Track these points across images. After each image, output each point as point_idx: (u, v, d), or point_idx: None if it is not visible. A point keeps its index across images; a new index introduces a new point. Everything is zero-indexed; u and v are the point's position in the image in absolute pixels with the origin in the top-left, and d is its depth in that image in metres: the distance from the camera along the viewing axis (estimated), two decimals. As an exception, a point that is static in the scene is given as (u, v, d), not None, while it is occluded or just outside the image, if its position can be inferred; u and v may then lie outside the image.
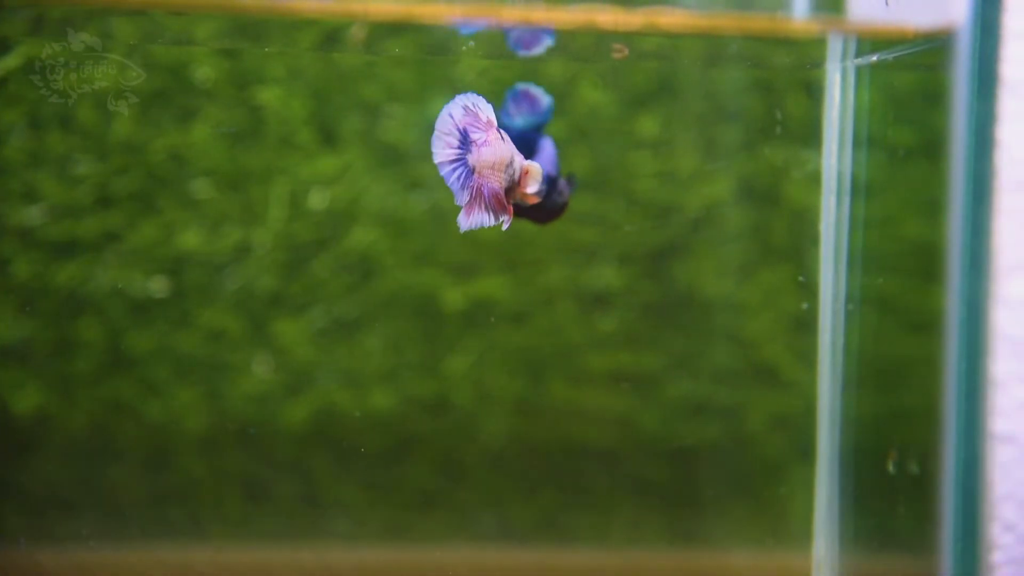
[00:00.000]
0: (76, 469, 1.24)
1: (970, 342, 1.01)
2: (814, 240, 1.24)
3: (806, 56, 1.22)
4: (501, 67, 1.26)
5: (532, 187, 0.91)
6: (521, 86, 1.11)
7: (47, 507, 1.23)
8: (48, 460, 1.24)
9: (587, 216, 1.29)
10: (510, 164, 0.90)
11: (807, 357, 1.27)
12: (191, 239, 1.24)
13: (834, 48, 1.18)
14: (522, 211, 0.98)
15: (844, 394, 1.23)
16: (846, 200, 1.22)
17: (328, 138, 1.25)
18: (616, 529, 1.31)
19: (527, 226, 1.27)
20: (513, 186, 0.91)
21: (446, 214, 1.27)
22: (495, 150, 0.89)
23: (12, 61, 1.18)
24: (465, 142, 0.89)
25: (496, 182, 0.89)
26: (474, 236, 1.27)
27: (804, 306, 1.28)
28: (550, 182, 1.02)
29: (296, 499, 1.27)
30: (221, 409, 1.26)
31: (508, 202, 0.91)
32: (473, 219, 0.89)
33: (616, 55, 1.22)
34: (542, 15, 1.10)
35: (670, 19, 1.14)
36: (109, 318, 1.24)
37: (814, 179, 1.24)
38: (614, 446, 1.31)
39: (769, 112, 1.26)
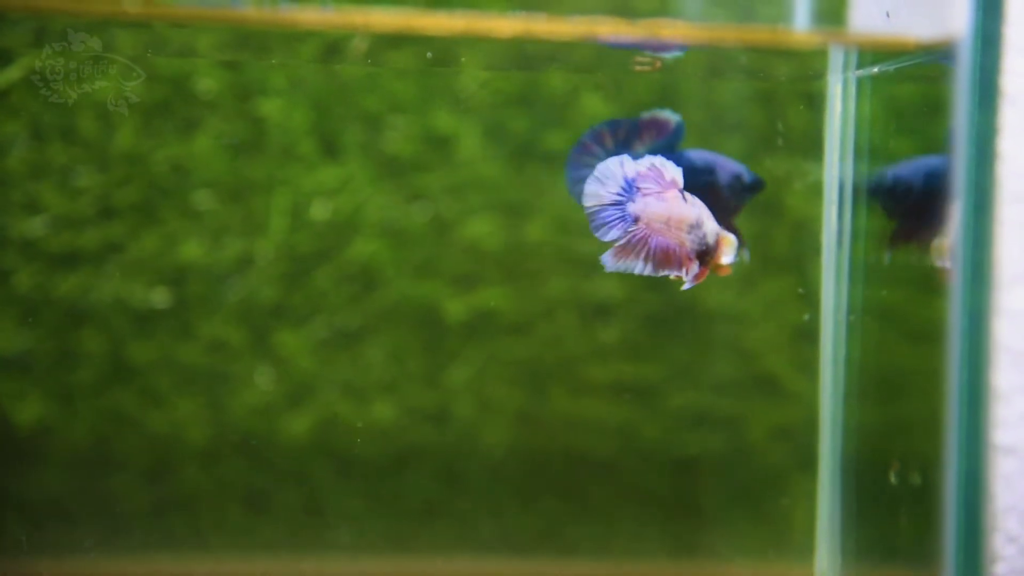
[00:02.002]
0: (77, 480, 1.24)
1: (972, 353, 1.01)
2: (816, 251, 1.24)
3: (807, 67, 1.22)
4: (502, 79, 1.26)
5: (727, 257, 0.93)
6: (647, 114, 1.10)
7: (48, 518, 1.23)
8: (49, 471, 1.24)
9: (588, 227, 1.28)
10: (697, 226, 0.91)
11: (809, 368, 1.27)
12: (193, 250, 1.24)
13: (835, 59, 1.18)
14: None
15: (846, 405, 1.23)
16: (848, 211, 1.22)
17: (329, 149, 1.26)
18: (617, 540, 1.31)
19: (528, 236, 1.28)
20: (708, 252, 0.92)
21: (447, 225, 1.27)
22: (670, 207, 0.90)
23: (14, 73, 1.19)
24: (629, 189, 0.90)
25: (672, 238, 0.91)
26: (475, 247, 1.28)
27: (805, 317, 1.28)
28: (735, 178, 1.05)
29: (297, 510, 1.27)
30: (222, 420, 1.26)
31: (703, 267, 0.92)
32: (623, 263, 0.91)
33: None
34: (543, 27, 1.10)
35: (671, 30, 1.14)
36: (111, 329, 1.24)
37: (815, 190, 1.24)
38: (615, 457, 1.31)
39: (770, 123, 1.26)
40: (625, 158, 0.92)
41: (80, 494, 1.24)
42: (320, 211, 1.26)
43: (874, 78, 1.17)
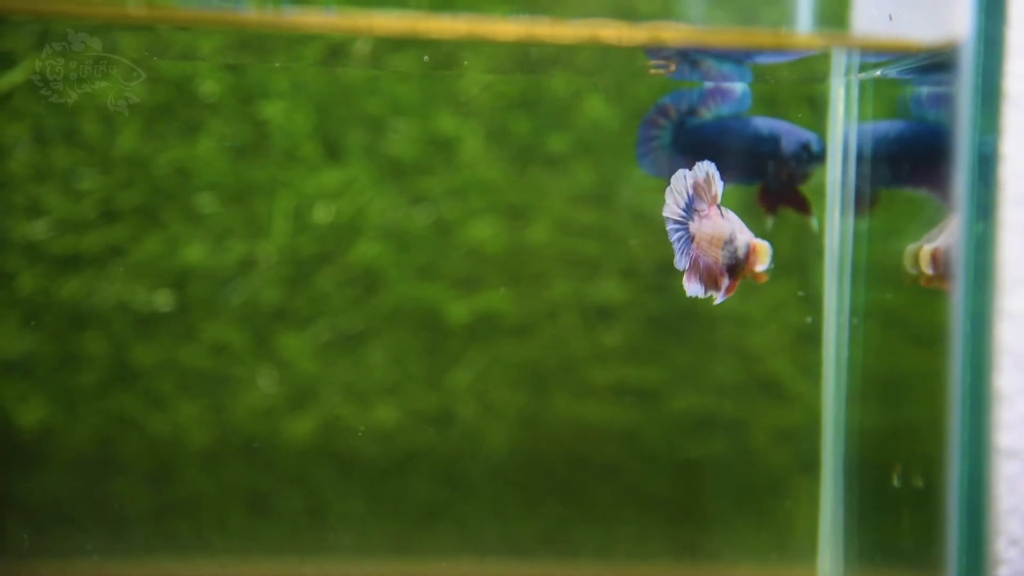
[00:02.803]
0: (80, 482, 1.24)
1: (975, 356, 1.01)
2: (818, 253, 1.24)
3: (810, 70, 1.22)
4: (505, 82, 1.26)
5: (762, 265, 0.93)
6: (711, 83, 1.12)
7: (51, 520, 1.23)
8: (52, 473, 1.24)
9: (591, 229, 1.29)
10: (730, 241, 0.92)
11: (811, 370, 1.27)
12: (195, 253, 1.24)
13: (838, 62, 1.18)
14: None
15: (848, 407, 1.23)
16: (850, 213, 1.22)
17: (332, 152, 1.26)
18: (620, 543, 1.31)
19: (531, 239, 1.28)
20: (738, 264, 0.93)
21: (450, 228, 1.27)
22: (714, 224, 0.91)
23: (17, 75, 1.19)
24: (689, 209, 0.92)
25: (712, 257, 0.92)
26: (478, 250, 1.28)
27: (808, 320, 1.28)
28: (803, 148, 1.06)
29: (300, 513, 1.27)
30: (225, 423, 1.26)
31: (733, 279, 0.93)
32: (691, 287, 0.93)
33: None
34: (546, 30, 1.10)
35: (674, 33, 1.14)
36: (113, 332, 1.24)
37: (818, 192, 1.24)
38: (618, 459, 1.31)
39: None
40: (686, 172, 0.93)
41: (83, 497, 1.24)
42: (322, 214, 1.26)
43: (877, 81, 1.17)
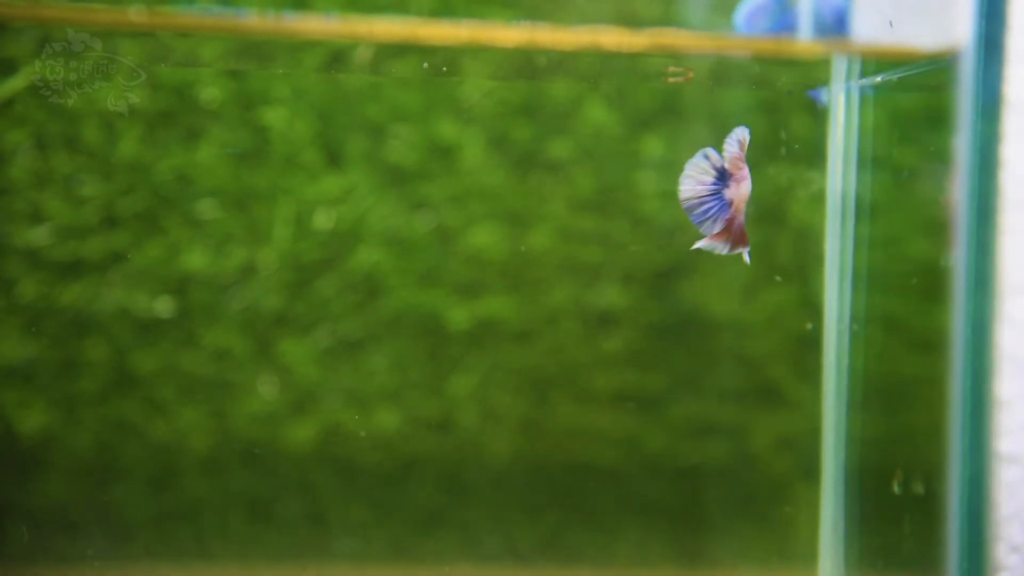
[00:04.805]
0: (81, 488, 1.24)
1: (975, 362, 1.01)
2: (819, 260, 1.24)
3: (811, 76, 1.22)
4: (506, 88, 1.26)
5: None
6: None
7: (52, 527, 1.23)
8: (53, 480, 1.24)
9: (592, 235, 1.29)
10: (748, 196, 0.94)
11: (812, 377, 1.27)
12: (196, 259, 1.24)
13: (839, 69, 1.19)
14: None
15: (849, 414, 1.23)
16: (851, 220, 1.22)
17: (333, 158, 1.26)
18: (621, 549, 1.31)
19: (532, 245, 1.28)
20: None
21: (450, 234, 1.27)
22: (749, 183, 0.93)
23: (18, 82, 1.19)
24: (722, 178, 0.93)
25: (742, 215, 0.93)
26: (479, 256, 1.28)
27: (809, 326, 1.28)
28: None
29: (301, 519, 1.27)
30: (226, 429, 1.26)
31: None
32: (712, 243, 0.94)
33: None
34: (547, 37, 1.10)
35: (675, 40, 1.14)
36: (114, 338, 1.24)
37: (819, 199, 1.24)
38: (619, 466, 1.31)
39: (774, 132, 1.26)
40: (709, 150, 0.94)
41: (83, 502, 1.24)
42: (323, 220, 1.26)
43: (877, 87, 1.17)
